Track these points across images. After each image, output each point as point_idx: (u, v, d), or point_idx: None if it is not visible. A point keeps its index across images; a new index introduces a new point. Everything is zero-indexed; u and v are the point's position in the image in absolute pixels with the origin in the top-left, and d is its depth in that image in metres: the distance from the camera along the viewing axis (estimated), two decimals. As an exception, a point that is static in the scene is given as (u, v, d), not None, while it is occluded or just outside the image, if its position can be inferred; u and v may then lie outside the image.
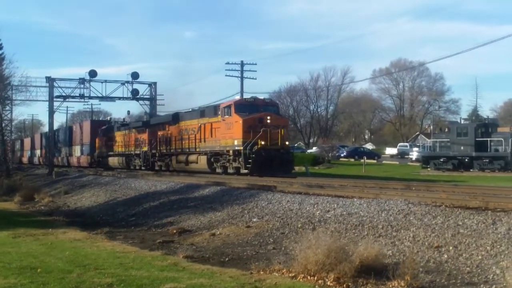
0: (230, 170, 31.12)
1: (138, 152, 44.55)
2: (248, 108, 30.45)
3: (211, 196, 21.62)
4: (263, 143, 28.91)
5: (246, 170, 29.15)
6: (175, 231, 16.90)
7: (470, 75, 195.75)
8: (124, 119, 58.82)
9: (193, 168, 34.95)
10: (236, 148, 29.93)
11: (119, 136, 49.73)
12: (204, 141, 33.49)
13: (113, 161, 50.29)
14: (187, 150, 35.69)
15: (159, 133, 40.88)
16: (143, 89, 57.26)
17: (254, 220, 16.49)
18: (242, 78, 59.17)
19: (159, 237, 16.17)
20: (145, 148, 42.96)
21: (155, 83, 57.62)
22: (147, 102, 57.38)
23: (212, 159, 32.80)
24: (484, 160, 43.82)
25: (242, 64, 59.37)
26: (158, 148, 40.75)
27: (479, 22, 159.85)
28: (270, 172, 28.52)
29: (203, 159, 33.62)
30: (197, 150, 34.36)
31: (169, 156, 38.99)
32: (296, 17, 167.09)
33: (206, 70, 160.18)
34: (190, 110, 39.53)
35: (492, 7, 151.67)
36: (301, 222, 15.02)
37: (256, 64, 60.12)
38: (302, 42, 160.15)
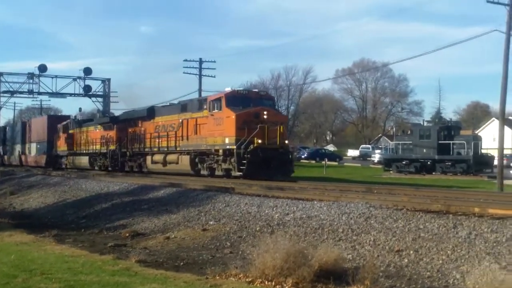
0: (219, 172, 28.73)
1: (104, 151, 42.40)
2: (241, 101, 28.04)
3: (166, 197, 21.48)
4: (260, 141, 26.57)
5: (239, 173, 26.74)
6: (127, 234, 16.75)
7: (433, 77, 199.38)
8: (75, 116, 57.85)
9: (173, 169, 32.64)
10: (228, 147, 27.46)
11: (81, 133, 47.22)
12: (187, 139, 31.03)
13: (74, 160, 48.13)
14: (165, 149, 33.34)
15: (130, 130, 38.56)
16: (96, 86, 56.75)
17: (211, 223, 16.44)
18: (200, 75, 59.00)
19: (110, 241, 15.99)
20: (113, 147, 40.83)
21: (108, 80, 57.21)
22: (100, 99, 56.79)
23: (196, 160, 30.41)
24: (447, 163, 44.63)
25: (201, 61, 59.24)
26: (129, 147, 38.26)
27: (443, 23, 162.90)
28: (267, 175, 26.26)
29: (185, 159, 31.17)
30: (178, 149, 31.97)
31: (142, 155, 36.64)
32: (258, 14, 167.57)
33: (164, 66, 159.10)
34: (168, 104, 37.55)
35: (456, 8, 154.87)
36: (260, 225, 15.03)
37: (215, 61, 60.03)
38: (263, 40, 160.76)
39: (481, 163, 44.13)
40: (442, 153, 44.86)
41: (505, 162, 37.91)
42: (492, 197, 17.59)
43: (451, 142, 44.87)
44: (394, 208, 14.31)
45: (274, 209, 16.15)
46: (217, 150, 28.48)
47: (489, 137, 66.36)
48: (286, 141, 28.37)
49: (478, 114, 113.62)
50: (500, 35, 32.78)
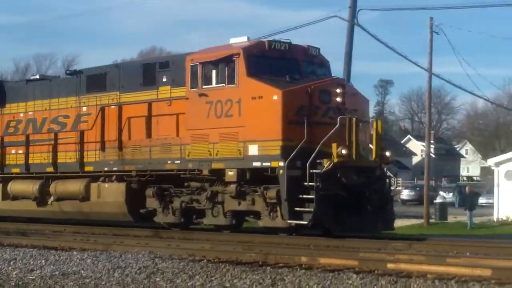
0: (215, 220, 20.45)
1: None
2: (280, 65, 20.20)
3: None
4: (343, 152, 18.68)
5: (293, 221, 18.38)
6: None
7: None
8: None
9: (69, 211, 24.68)
10: (257, 163, 19.29)
11: None
12: (119, 146, 22.53)
13: None
14: (46, 170, 24.81)
15: None
16: None
17: None
18: None
19: None
20: None
21: None
22: None
23: (151, 192, 21.70)
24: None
25: None
26: None
27: (274, 4, 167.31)
28: (357, 227, 19.30)
29: (111, 191, 22.60)
30: (88, 168, 23.61)
31: None
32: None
33: None
34: (38, 77, 28.49)
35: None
36: (-13, 288, 14.69)
37: None
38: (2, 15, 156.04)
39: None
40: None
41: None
42: (325, 242, 18.27)
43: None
44: (190, 259, 14.64)
45: (12, 263, 15.92)
46: (216, 171, 20.31)
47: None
48: (387, 153, 20.79)
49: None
50: (342, 23, 33.90)
